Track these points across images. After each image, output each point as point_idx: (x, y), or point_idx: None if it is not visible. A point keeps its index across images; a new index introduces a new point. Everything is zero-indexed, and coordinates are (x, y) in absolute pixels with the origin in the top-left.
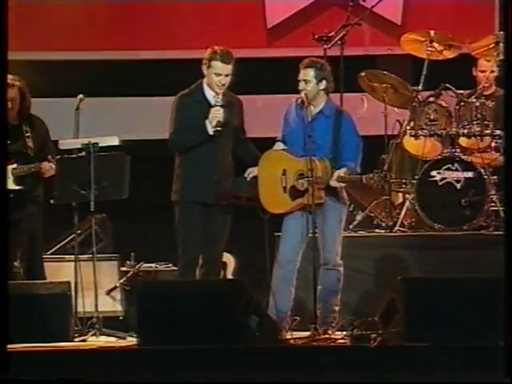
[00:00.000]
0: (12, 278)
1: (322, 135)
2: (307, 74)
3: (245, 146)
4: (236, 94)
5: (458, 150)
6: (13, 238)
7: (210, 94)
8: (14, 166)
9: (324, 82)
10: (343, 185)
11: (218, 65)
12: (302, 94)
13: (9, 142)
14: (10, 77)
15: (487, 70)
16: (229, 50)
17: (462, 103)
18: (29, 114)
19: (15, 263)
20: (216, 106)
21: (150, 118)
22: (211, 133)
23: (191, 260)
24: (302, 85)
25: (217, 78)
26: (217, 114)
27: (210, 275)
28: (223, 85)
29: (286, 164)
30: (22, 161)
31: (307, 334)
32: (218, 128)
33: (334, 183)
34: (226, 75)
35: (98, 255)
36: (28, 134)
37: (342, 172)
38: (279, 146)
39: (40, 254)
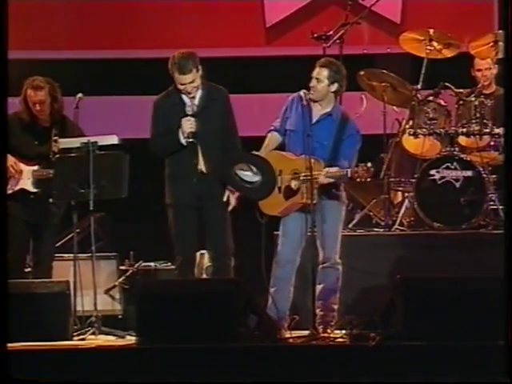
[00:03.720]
0: (24, 278)
1: (326, 137)
2: (321, 73)
3: (229, 144)
4: (220, 88)
5: (457, 148)
6: (25, 240)
7: (185, 96)
8: (36, 168)
9: (336, 85)
10: (331, 180)
11: (176, 76)
12: (311, 93)
13: (36, 143)
14: (39, 79)
15: (483, 68)
16: (188, 55)
17: (461, 102)
18: (62, 118)
19: (27, 264)
20: (187, 115)
21: (150, 117)
22: (184, 143)
23: (186, 259)
24: (313, 82)
25: (182, 86)
26: (188, 126)
27: (218, 273)
28: (189, 93)
29: (282, 164)
30: (44, 164)
31: (306, 333)
32: (190, 139)
33: (322, 179)
34: (191, 82)
35: (97, 254)
36: (56, 138)
37: (332, 169)
38: (274, 135)
39: (51, 257)
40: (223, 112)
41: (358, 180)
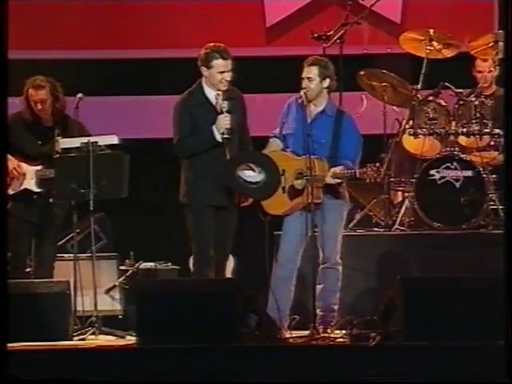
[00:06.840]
0: (25, 279)
1: (324, 135)
2: (311, 72)
3: (242, 146)
4: (236, 90)
5: (457, 148)
6: (28, 240)
7: (211, 94)
8: (39, 168)
9: (328, 80)
10: (338, 181)
11: (220, 63)
12: (302, 93)
13: (39, 142)
14: (40, 78)
15: (484, 70)
16: (223, 45)
17: (461, 102)
18: (65, 117)
19: (28, 264)
20: (223, 112)
21: (150, 117)
22: (220, 140)
23: (207, 261)
24: (305, 82)
25: (221, 75)
26: (225, 122)
27: (216, 276)
28: (228, 81)
29: (285, 164)
30: (47, 164)
31: (306, 332)
32: (227, 136)
33: (329, 180)
34: (229, 70)
35: (97, 254)
36: (58, 138)
37: (337, 169)
38: (275, 141)
39: (53, 257)
40: (241, 113)
41: (368, 181)
